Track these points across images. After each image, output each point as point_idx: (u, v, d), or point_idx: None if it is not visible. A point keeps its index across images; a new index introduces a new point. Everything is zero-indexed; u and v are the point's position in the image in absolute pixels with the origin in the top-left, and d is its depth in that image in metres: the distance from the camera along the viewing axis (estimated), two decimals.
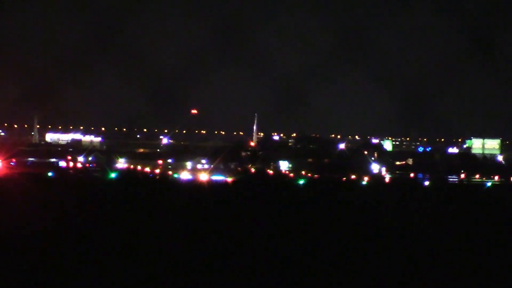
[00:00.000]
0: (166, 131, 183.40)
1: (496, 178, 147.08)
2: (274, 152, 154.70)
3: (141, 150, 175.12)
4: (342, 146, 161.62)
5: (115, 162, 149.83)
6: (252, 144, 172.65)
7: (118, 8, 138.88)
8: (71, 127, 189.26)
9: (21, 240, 44.21)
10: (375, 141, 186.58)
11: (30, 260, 38.70)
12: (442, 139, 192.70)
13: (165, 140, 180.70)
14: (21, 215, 54.89)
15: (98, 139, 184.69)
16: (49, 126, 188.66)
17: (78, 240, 45.42)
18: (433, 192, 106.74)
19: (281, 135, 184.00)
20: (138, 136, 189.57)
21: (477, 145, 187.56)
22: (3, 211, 57.65)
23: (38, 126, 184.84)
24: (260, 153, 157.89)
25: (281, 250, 44.50)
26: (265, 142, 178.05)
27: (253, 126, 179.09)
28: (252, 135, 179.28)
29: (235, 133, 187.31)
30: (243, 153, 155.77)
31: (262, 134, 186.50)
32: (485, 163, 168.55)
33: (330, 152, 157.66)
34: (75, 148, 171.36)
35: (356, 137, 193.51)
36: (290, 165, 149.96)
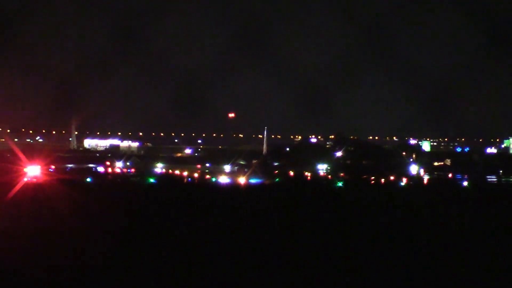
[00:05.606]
0: (204, 135, 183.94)
1: None
2: (312, 154, 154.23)
3: (179, 154, 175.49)
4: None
5: (153, 167, 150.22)
6: (264, 152, 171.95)
7: (151, 20, 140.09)
8: (109, 133, 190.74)
9: (63, 244, 44.44)
10: (413, 142, 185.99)
11: (72, 264, 38.89)
12: (480, 139, 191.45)
13: (188, 151, 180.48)
14: (61, 220, 55.23)
15: (136, 144, 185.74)
16: (87, 132, 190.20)
17: (121, 244, 45.49)
18: (473, 193, 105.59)
19: (319, 137, 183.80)
20: (175, 140, 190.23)
21: None
22: (43, 216, 58.07)
23: (76, 132, 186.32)
24: (268, 161, 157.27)
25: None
26: (301, 145, 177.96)
27: (263, 137, 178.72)
28: (263, 144, 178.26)
29: (272, 136, 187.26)
30: (255, 161, 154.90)
31: (299, 137, 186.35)
32: None
33: (368, 153, 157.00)
34: (113, 153, 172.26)
35: (394, 138, 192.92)
36: (328, 167, 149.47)
